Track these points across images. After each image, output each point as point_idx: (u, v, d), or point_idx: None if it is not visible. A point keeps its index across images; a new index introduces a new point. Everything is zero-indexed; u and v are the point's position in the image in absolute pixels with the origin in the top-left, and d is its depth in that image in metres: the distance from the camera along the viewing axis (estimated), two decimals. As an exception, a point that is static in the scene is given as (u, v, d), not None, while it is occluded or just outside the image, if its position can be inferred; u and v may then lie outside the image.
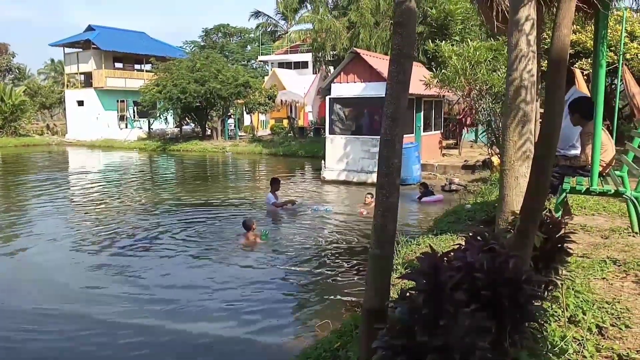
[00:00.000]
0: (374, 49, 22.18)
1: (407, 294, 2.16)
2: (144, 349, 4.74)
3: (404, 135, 11.78)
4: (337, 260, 7.23)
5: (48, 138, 36.76)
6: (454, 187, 13.25)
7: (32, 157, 27.14)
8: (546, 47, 11.32)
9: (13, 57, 52.96)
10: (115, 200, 13.53)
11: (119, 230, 9.60)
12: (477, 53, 13.06)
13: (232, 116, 33.48)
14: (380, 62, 15.68)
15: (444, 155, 18.53)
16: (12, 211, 11.97)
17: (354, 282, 6.24)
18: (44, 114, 47.85)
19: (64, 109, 40.47)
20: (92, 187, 16.72)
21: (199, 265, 7.33)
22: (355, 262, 7.12)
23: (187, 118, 32.48)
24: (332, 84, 15.85)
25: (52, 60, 59.12)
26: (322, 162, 16.18)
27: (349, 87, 15.54)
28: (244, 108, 31.86)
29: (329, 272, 6.71)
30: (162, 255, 7.84)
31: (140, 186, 16.70)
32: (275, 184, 11.12)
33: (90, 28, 36.84)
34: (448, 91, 14.79)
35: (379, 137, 10.67)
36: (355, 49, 16.36)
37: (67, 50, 37.78)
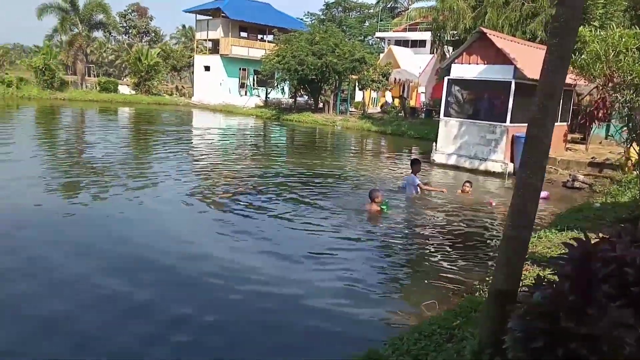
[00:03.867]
0: (501, 30, 20.90)
1: (545, 280, 2.07)
2: (243, 309, 4.93)
3: (524, 124, 10.95)
4: (446, 243, 7.10)
5: (176, 99, 39.81)
6: (577, 184, 12.26)
7: (162, 115, 29.66)
8: None
9: (151, 21, 57.81)
10: (231, 160, 14.45)
11: (234, 187, 10.27)
12: (623, 40, 11.78)
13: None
14: (508, 44, 14.76)
15: (568, 149, 17.16)
16: (139, 160, 13.29)
17: (460, 266, 6.09)
18: (174, 76, 51.76)
19: (192, 72, 43.44)
20: (211, 146, 18.05)
21: (310, 229, 7.53)
22: (463, 247, 6.93)
23: (301, 90, 33.34)
24: (452, 65, 15.25)
25: (184, 26, 63.38)
26: (433, 144, 15.78)
27: (470, 69, 14.86)
28: (357, 84, 31.95)
29: (437, 254, 6.61)
30: (274, 215, 8.18)
31: (255, 150, 17.62)
32: (416, 164, 10.07)
33: (221, -4, 38.87)
34: (583, 79, 13.57)
35: (497, 123, 10.23)
36: (481, 28, 15.54)
37: (199, 17, 40.27)
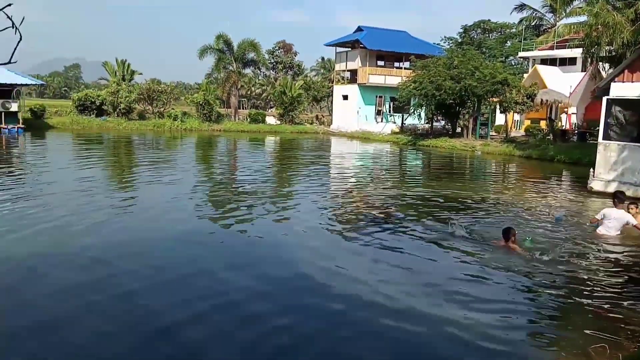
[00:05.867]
0: (668, 43, 18.60)
1: None
2: (354, 340, 4.84)
3: None
4: (611, 282, 6.48)
5: (316, 127, 41.92)
6: None
7: (303, 142, 31.44)
8: None
9: (295, 56, 61.91)
10: (367, 185, 14.94)
11: (369, 211, 10.49)
12: None
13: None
14: (681, 59, 13.14)
15: None
16: (281, 184, 14.35)
17: (629, 308, 5.51)
18: (314, 105, 54.55)
19: (331, 102, 45.45)
20: (347, 171, 18.88)
21: (446, 262, 7.26)
22: (633, 286, 6.27)
23: (439, 115, 32.93)
24: (612, 83, 13.98)
25: (322, 59, 66.69)
26: (591, 170, 14.49)
27: (633, 87, 13.50)
28: (498, 107, 30.62)
29: (599, 293, 6.05)
30: (408, 243, 8.08)
31: (390, 175, 17.86)
32: (622, 195, 8.97)
33: (359, 29, 40.37)
34: None
35: (669, 147, 8.66)
36: (647, 43, 14.07)
37: (339, 49, 42.18)
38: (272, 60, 61.23)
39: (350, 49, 40.70)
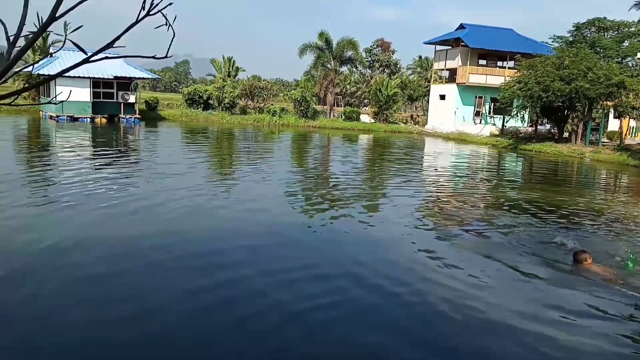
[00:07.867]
0: None
1: None
2: None
3: None
4: None
5: (410, 127, 41.38)
6: None
7: (397, 142, 31.22)
8: None
9: (393, 54, 61.46)
10: (461, 188, 14.60)
11: (461, 217, 10.26)
12: None
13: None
14: None
15: None
16: (372, 184, 14.33)
17: None
18: (408, 105, 53.84)
19: (427, 101, 44.60)
20: (441, 173, 18.48)
21: (525, 285, 6.57)
22: None
23: (543, 118, 31.11)
24: None
25: (420, 57, 65.46)
26: None
27: None
28: (612, 111, 28.29)
29: None
30: (499, 254, 7.58)
31: (487, 179, 17.20)
32: None
33: (461, 26, 39.17)
34: None
35: None
36: None
37: (438, 47, 41.24)
38: (370, 59, 61.17)
39: (450, 47, 39.61)
